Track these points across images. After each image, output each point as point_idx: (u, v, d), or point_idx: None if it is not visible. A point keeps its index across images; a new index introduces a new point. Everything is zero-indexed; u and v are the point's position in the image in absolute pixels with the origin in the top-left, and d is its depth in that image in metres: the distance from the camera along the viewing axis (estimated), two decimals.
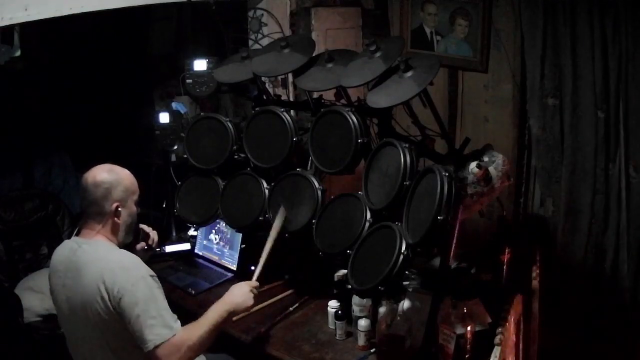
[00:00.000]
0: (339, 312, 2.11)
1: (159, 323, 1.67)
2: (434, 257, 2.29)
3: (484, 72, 2.88)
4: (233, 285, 1.96)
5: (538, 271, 2.34)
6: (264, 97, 2.44)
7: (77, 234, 1.86)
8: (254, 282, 1.99)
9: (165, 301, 1.74)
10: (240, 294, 1.91)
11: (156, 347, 1.65)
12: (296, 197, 2.22)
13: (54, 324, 1.97)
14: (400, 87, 1.93)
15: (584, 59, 2.47)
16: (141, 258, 1.81)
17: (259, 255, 2.08)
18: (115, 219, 1.80)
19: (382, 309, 2.02)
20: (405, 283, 2.21)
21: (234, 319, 2.06)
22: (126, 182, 1.83)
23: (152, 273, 1.75)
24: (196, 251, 2.84)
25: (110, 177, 1.80)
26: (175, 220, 2.86)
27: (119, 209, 1.80)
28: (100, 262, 1.72)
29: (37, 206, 3.02)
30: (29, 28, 3.55)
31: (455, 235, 1.88)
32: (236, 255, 2.65)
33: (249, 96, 2.61)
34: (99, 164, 1.84)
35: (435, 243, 1.83)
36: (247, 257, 2.52)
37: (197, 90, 2.57)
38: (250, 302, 1.93)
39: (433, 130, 2.06)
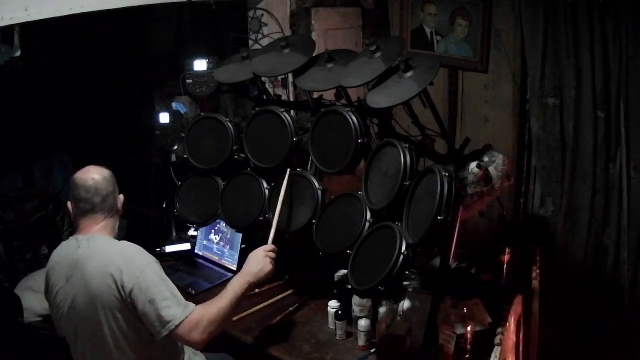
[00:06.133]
0: (339, 312, 2.11)
1: (174, 303, 1.70)
2: (434, 257, 2.29)
3: (484, 72, 2.88)
4: (250, 254, 1.95)
5: (538, 271, 2.34)
6: (264, 97, 2.44)
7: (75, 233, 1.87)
8: (269, 245, 1.98)
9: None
10: (256, 261, 1.91)
11: (176, 326, 1.68)
12: (296, 197, 2.22)
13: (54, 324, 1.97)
14: (400, 87, 1.93)
15: (584, 58, 2.47)
16: None
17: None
18: (121, 208, 1.90)
19: (382, 309, 2.02)
20: (405, 283, 2.20)
21: (234, 318, 2.06)
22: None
23: (156, 260, 1.78)
24: (196, 251, 2.84)
25: (107, 171, 1.87)
26: (175, 220, 2.86)
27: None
28: (102, 255, 1.74)
29: (37, 206, 3.01)
30: (29, 28, 3.55)
31: (455, 235, 1.88)
32: (236, 255, 2.65)
33: (249, 96, 2.61)
34: (99, 163, 1.89)
35: (435, 243, 1.83)
36: None
37: (197, 90, 2.56)
38: (269, 267, 1.91)
39: (433, 130, 2.06)
